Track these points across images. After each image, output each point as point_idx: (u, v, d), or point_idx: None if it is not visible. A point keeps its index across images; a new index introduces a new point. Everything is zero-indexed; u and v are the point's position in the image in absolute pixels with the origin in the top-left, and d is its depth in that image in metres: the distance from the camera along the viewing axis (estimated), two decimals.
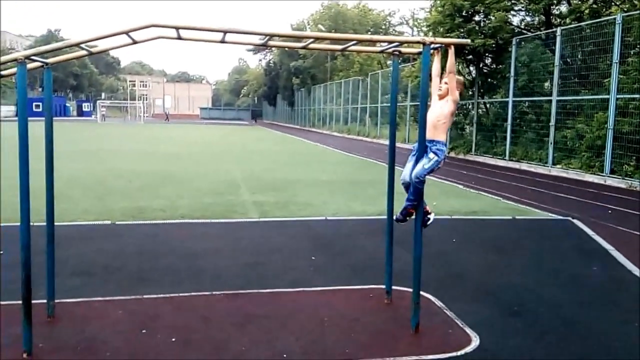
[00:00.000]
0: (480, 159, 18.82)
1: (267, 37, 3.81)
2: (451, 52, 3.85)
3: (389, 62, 40.09)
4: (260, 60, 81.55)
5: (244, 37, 4.13)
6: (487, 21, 18.65)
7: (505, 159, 17.41)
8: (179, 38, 3.93)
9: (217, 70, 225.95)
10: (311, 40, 3.93)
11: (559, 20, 18.80)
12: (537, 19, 19.93)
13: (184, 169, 14.32)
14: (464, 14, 18.48)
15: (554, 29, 15.91)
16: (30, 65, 3.53)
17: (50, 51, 3.38)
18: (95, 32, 3.50)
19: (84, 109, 76.41)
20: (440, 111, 4.07)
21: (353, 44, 4.04)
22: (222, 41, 4.00)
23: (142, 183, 11.31)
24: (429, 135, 3.98)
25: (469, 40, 4.19)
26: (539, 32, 17.56)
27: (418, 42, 3.73)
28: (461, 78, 4.25)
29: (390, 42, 4.04)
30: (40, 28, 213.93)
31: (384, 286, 4.81)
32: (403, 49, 4.29)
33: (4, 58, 3.28)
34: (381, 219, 8.06)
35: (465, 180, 12.81)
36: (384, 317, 4.27)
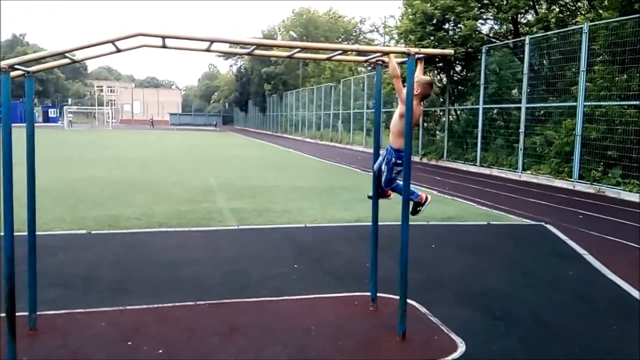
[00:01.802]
0: (452, 164, 19.10)
1: (254, 47, 3.81)
2: (391, 60, 3.91)
3: (359, 68, 40.43)
4: (231, 66, 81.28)
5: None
6: (457, 29, 19.01)
7: (476, 165, 17.72)
8: (164, 47, 3.91)
9: (187, 76, 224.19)
10: (298, 49, 3.95)
11: (526, 29, 19.28)
12: (505, 27, 20.41)
13: (156, 175, 14.15)
14: (434, 22, 18.78)
15: (523, 38, 16.29)
16: (12, 74, 3.45)
17: (34, 60, 3.32)
18: (80, 41, 3.45)
19: (50, 115, 74.86)
20: (395, 116, 4.17)
21: (338, 54, 4.08)
22: (208, 50, 4.00)
23: (115, 191, 11.13)
24: (393, 142, 4.17)
25: (451, 51, 4.24)
26: (508, 41, 17.95)
27: (403, 53, 3.78)
28: (427, 77, 4.24)
29: (375, 52, 4.09)
30: (4, 32, 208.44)
31: (367, 293, 4.85)
32: (386, 59, 4.35)
33: None
34: (359, 225, 8.16)
35: (439, 186, 12.98)
36: (369, 325, 4.30)
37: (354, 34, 56.21)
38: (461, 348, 3.84)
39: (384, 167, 4.29)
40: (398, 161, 4.16)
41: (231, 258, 6.27)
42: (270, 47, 3.96)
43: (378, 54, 4.09)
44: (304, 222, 8.33)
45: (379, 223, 8.09)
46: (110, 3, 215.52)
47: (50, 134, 40.58)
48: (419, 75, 4.12)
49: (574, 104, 13.60)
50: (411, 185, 4.21)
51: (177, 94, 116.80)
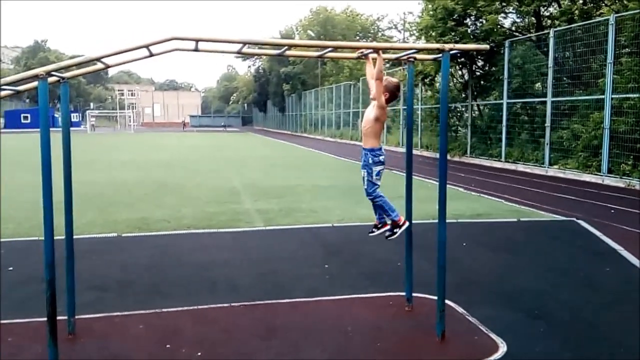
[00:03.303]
0: (476, 161, 18.91)
1: (286, 47, 3.79)
2: (379, 58, 3.83)
3: None
4: (249, 67, 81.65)
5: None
6: (478, 24, 18.79)
7: (501, 161, 17.50)
8: (196, 50, 3.90)
9: (206, 78, 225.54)
10: (329, 49, 3.92)
11: (549, 21, 18.99)
12: (526, 20, 20.11)
13: (181, 177, 14.25)
14: (455, 17, 18.59)
15: (547, 31, 16.04)
16: (49, 80, 3.48)
17: (71, 66, 3.34)
18: (115, 47, 3.47)
19: (72, 119, 76.00)
20: (366, 117, 4.14)
21: (370, 52, 4.04)
22: (239, 52, 3.99)
23: (142, 193, 11.23)
24: (364, 144, 4.13)
25: (487, 46, 4.15)
26: (532, 34, 17.67)
27: (437, 49, 3.73)
28: (395, 80, 4.18)
29: (407, 49, 4.04)
30: (26, 39, 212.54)
31: (402, 293, 4.80)
32: (418, 56, 4.30)
33: (24, 74, 3.24)
34: None
35: (464, 183, 12.84)
36: (407, 325, 4.25)
37: (371, 31, 55.99)
38: (502, 348, 3.77)
39: (363, 173, 4.19)
40: (376, 159, 4.12)
41: (262, 259, 6.26)
42: (302, 47, 3.93)
43: (411, 51, 4.03)
44: (331, 222, 8.30)
45: None
46: (124, 8, 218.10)
47: (74, 138, 40.77)
48: (387, 78, 4.07)
49: (602, 96, 13.33)
50: (393, 206, 4.21)
51: (196, 96, 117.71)
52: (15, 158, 21.55)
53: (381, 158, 4.14)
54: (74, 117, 77.86)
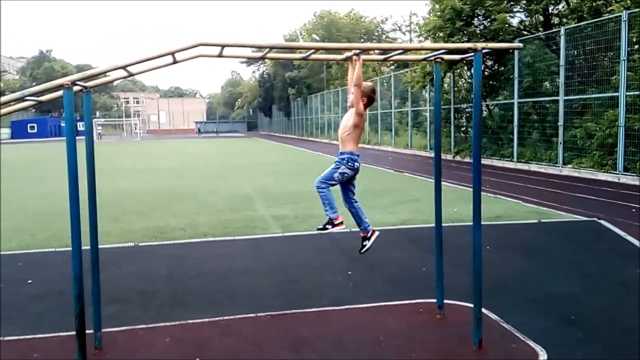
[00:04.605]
0: (488, 161, 18.74)
1: (312, 51, 3.69)
2: (359, 64, 3.76)
3: (382, 68, 40.12)
4: (253, 72, 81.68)
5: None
6: (487, 24, 18.67)
7: (513, 161, 17.34)
8: (220, 56, 3.81)
9: (210, 84, 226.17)
10: (358, 50, 3.81)
11: (557, 19, 18.84)
12: (534, 19, 19.98)
13: (192, 185, 14.17)
14: (463, 17, 18.48)
15: (558, 29, 15.89)
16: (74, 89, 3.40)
17: (96, 75, 3.26)
18: (140, 55, 3.39)
19: (79, 129, 76.24)
20: (345, 123, 4.10)
21: (397, 54, 3.93)
22: (263, 57, 3.90)
23: (155, 201, 11.16)
24: (342, 148, 4.10)
25: (520, 45, 4.03)
26: (543, 32, 17.54)
27: (469, 49, 3.62)
28: (369, 84, 4.10)
29: (437, 49, 3.94)
30: (31, 49, 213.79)
31: (430, 300, 4.70)
32: (445, 56, 4.20)
33: (49, 84, 3.17)
34: (405, 229, 8.00)
35: None
36: (440, 334, 4.13)
37: (375, 34, 55.88)
38: (542, 356, 3.64)
39: (335, 174, 4.13)
40: (349, 164, 4.08)
41: (282, 267, 6.16)
42: (328, 50, 3.84)
43: (441, 51, 3.93)
44: (348, 227, 8.12)
45: (423, 225, 7.91)
46: (127, 17, 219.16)
47: (81, 147, 41.05)
48: (362, 83, 3.95)
49: (615, 94, 13.18)
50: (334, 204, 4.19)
51: (201, 102, 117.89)
52: (23, 168, 21.58)
53: (355, 165, 4.11)
54: (80, 126, 78.17)
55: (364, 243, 4.28)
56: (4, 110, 3.40)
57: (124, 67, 3.37)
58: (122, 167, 20.58)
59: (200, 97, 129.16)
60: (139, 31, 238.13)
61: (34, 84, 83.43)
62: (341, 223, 4.24)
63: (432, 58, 4.11)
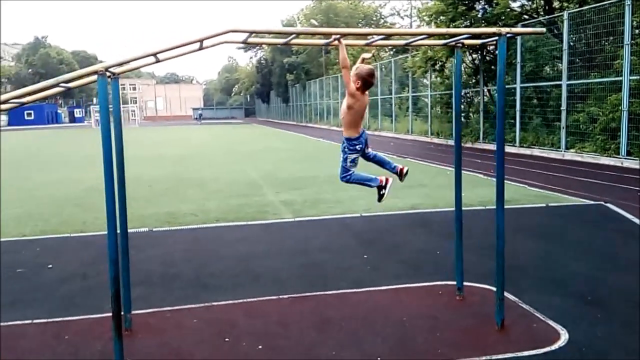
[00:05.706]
0: (490, 146, 18.81)
1: (339, 36, 3.73)
2: (341, 46, 3.74)
3: (381, 53, 39.98)
4: (251, 57, 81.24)
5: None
6: (489, 9, 18.63)
7: (515, 146, 17.42)
8: (245, 42, 3.84)
9: (207, 70, 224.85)
10: (379, 37, 3.86)
11: (558, 3, 18.80)
12: (536, 3, 19.93)
13: (197, 171, 14.22)
14: (465, 1, 18.43)
15: (561, 13, 15.88)
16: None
17: (129, 61, 3.30)
18: (169, 42, 3.42)
19: (75, 115, 75.94)
20: (342, 107, 4.13)
21: (421, 39, 3.98)
22: (287, 44, 3.93)
23: (163, 187, 11.21)
24: (343, 132, 4.20)
25: (544, 30, 4.05)
26: (545, 17, 17.51)
27: (494, 33, 3.67)
28: (367, 67, 3.95)
29: (459, 34, 3.99)
30: (26, 36, 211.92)
31: (449, 282, 4.80)
32: (466, 41, 4.24)
33: (83, 71, 3.21)
34: (415, 213, 8.10)
35: (482, 169, 12.76)
36: (462, 314, 4.22)
37: (374, 18, 55.58)
38: (564, 336, 3.74)
39: (346, 164, 4.23)
40: (350, 148, 4.16)
41: (298, 250, 6.24)
42: (353, 35, 3.88)
43: (464, 36, 3.98)
44: (358, 212, 8.27)
45: (432, 210, 7.99)
46: (124, 3, 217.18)
47: (80, 134, 41.11)
48: (359, 65, 3.96)
49: (619, 78, 13.22)
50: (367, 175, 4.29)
51: (198, 88, 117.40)
52: (27, 156, 21.58)
53: (357, 147, 4.18)
54: (77, 112, 77.83)
55: (382, 193, 4.26)
56: (37, 96, 3.44)
57: (154, 54, 3.41)
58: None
59: (197, 84, 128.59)
60: (138, 18, 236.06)
61: (29, 70, 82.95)
62: (387, 179, 4.26)
63: (453, 43, 4.15)
